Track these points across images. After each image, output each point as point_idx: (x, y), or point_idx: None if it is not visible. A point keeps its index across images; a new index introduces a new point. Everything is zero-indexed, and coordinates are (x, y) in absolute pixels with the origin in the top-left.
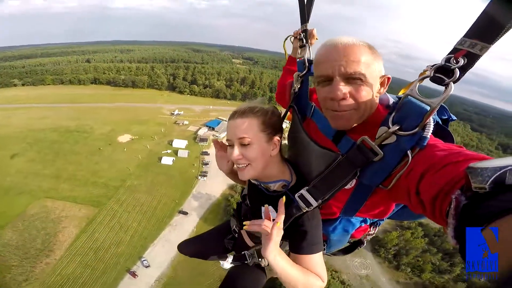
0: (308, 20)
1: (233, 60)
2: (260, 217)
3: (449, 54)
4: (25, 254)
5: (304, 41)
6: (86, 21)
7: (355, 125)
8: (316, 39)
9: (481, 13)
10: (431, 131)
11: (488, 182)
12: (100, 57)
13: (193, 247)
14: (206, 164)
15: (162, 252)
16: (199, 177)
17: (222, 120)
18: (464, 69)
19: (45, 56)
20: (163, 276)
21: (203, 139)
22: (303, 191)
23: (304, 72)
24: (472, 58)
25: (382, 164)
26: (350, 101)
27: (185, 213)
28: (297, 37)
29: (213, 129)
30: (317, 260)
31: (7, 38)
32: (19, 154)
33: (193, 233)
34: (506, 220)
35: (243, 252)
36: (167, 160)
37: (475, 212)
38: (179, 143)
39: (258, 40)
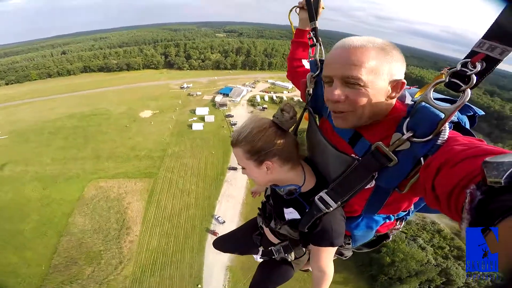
0: (317, 17)
1: (216, 34)
2: (283, 217)
3: (466, 57)
4: (106, 236)
5: (315, 40)
6: (42, 15)
7: (372, 124)
8: (323, 8)
9: (502, 11)
10: (445, 139)
11: (504, 177)
12: (76, 47)
13: (226, 244)
14: (234, 124)
15: (230, 207)
16: None
17: (233, 86)
18: (482, 75)
19: (12, 55)
20: None
21: (222, 105)
22: (323, 194)
23: (317, 72)
24: (491, 63)
25: (397, 169)
26: (345, 104)
27: (235, 168)
28: (303, 7)
29: (227, 95)
30: (325, 254)
31: None
32: (46, 144)
33: (247, 185)
34: None
35: (270, 248)
36: (197, 126)
37: (489, 207)
38: (202, 111)
39: (234, 13)
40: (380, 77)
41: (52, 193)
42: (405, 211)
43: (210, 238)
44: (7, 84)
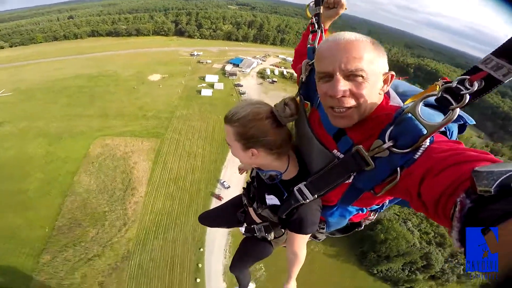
0: (322, 3)
1: (229, 6)
2: (265, 201)
3: (465, 73)
4: (111, 197)
5: (316, 26)
6: None
7: (357, 122)
8: (345, 9)
9: None
10: (421, 154)
11: (494, 186)
12: (84, 13)
13: (211, 219)
14: (243, 93)
15: (235, 173)
16: None
17: (244, 58)
18: (477, 94)
19: (17, 19)
20: None
21: (232, 74)
22: (301, 186)
23: (314, 60)
24: (490, 83)
25: (373, 174)
26: (350, 98)
27: None
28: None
29: (237, 65)
30: (299, 240)
31: None
32: (52, 102)
33: None
34: (509, 222)
35: (252, 226)
36: (206, 92)
37: (479, 215)
38: (212, 78)
39: None
40: (376, 69)
41: (57, 150)
42: (378, 205)
43: (215, 202)
44: (11, 46)
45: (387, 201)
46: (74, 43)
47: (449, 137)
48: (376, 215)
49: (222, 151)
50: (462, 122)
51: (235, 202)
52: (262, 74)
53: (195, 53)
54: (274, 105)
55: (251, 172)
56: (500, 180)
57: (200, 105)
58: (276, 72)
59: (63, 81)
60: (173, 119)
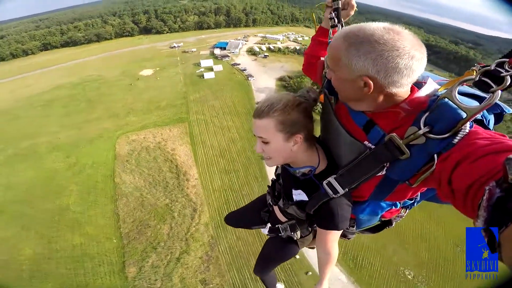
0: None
1: (180, 0)
2: (291, 198)
3: (504, 57)
4: (165, 188)
5: (336, 21)
6: None
7: (388, 112)
8: (356, 10)
9: None
10: (461, 139)
11: None
12: (17, 30)
13: (236, 220)
14: (244, 70)
15: None
16: (249, 78)
17: (227, 41)
18: None
19: None
20: None
21: (224, 56)
22: (331, 179)
23: None
24: None
25: (409, 163)
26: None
27: None
28: (330, 5)
29: (224, 48)
30: (330, 237)
31: None
32: (44, 115)
33: None
34: None
35: (277, 226)
36: (209, 75)
37: (507, 205)
38: (207, 63)
39: None
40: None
41: (80, 159)
42: (411, 199)
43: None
44: None
45: (418, 196)
46: (26, 60)
47: (486, 125)
48: (407, 211)
49: (251, 119)
50: (499, 111)
51: (259, 202)
52: (252, 52)
53: (175, 45)
54: (298, 94)
55: (276, 170)
56: None
57: (209, 87)
58: (264, 48)
59: (44, 95)
60: (190, 104)
